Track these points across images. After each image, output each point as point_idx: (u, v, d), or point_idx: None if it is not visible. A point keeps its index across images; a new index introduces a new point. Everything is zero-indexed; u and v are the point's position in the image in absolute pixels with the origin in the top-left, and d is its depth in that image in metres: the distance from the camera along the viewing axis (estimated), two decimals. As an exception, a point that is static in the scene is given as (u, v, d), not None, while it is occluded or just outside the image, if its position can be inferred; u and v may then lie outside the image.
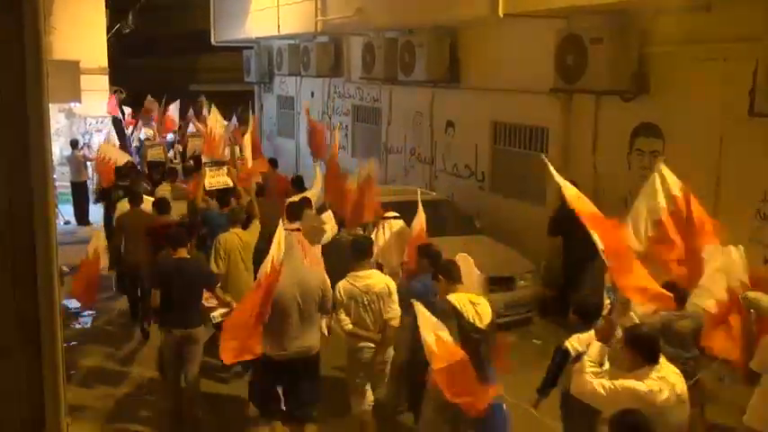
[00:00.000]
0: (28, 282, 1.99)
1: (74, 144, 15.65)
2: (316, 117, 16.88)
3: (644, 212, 5.71)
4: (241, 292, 6.75)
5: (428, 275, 6.02)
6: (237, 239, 7.54)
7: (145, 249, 8.19)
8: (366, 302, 5.91)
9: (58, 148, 16.50)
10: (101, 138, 17.48)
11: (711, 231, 5.62)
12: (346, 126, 16.57)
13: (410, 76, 12.43)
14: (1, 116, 1.93)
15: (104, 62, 18.46)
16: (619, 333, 4.84)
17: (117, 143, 16.01)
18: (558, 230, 9.20)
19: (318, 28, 14.97)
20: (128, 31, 20.90)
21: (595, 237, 4.80)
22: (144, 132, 17.62)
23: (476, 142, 12.15)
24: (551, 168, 5.31)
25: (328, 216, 8.44)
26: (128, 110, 19.21)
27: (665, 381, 4.15)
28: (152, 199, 9.33)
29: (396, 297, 5.99)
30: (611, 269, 4.94)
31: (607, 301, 5.20)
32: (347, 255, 6.40)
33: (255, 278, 6.03)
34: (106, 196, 10.94)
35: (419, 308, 4.97)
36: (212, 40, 21.24)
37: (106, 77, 18.59)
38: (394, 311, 5.94)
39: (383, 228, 7.57)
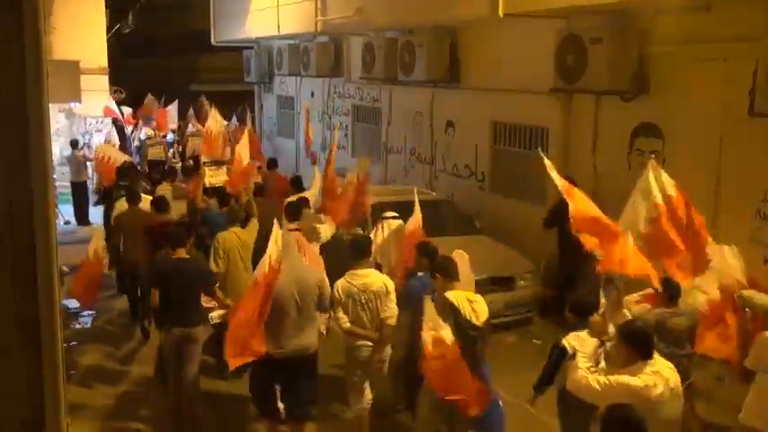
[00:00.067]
0: (28, 282, 1.99)
1: (74, 144, 15.66)
2: (316, 117, 16.92)
3: (638, 211, 5.72)
4: (240, 291, 6.76)
5: (427, 274, 6.04)
6: (236, 238, 7.55)
7: (143, 248, 8.20)
8: (364, 301, 5.94)
9: (58, 149, 16.49)
10: (101, 138, 17.49)
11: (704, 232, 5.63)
12: (346, 126, 16.57)
13: (410, 76, 12.43)
14: (1, 116, 1.93)
15: (104, 62, 18.46)
16: (612, 330, 4.87)
17: (117, 143, 16.03)
18: (553, 222, 9.21)
19: (318, 28, 14.97)
20: (127, 30, 20.91)
21: (572, 211, 5.04)
22: (144, 132, 17.63)
23: (476, 142, 12.15)
24: (547, 161, 5.36)
25: (327, 216, 8.45)
26: (128, 110, 19.20)
27: (659, 375, 4.18)
28: (150, 198, 9.34)
29: (393, 296, 6.02)
30: (585, 241, 5.07)
31: (603, 300, 5.21)
32: (346, 254, 6.42)
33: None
34: (107, 196, 10.94)
35: (428, 305, 5.03)
36: (212, 40, 21.24)
37: (106, 77, 18.60)
38: (391, 310, 5.97)
39: (382, 227, 7.58)
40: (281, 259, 5.52)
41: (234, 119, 17.56)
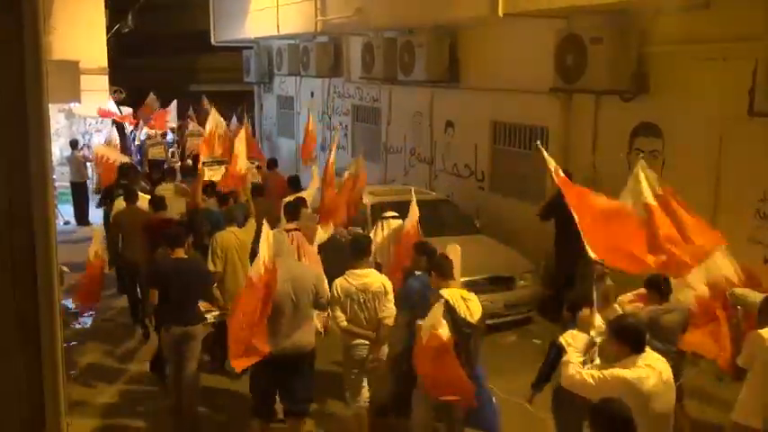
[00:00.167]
0: (28, 282, 1.99)
1: (74, 144, 15.66)
2: (316, 117, 16.90)
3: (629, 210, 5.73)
4: (239, 290, 6.78)
5: (425, 273, 6.08)
6: (234, 238, 7.57)
7: (142, 246, 8.24)
8: (362, 301, 5.97)
9: (58, 149, 16.51)
10: (101, 138, 17.50)
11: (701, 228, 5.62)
12: (346, 126, 16.58)
13: (410, 75, 12.43)
14: (1, 116, 1.93)
15: (104, 62, 18.47)
16: (599, 324, 4.92)
17: (117, 143, 16.05)
18: (550, 215, 9.23)
19: (318, 28, 14.98)
20: (127, 30, 20.90)
21: (572, 209, 5.05)
22: (145, 131, 17.64)
23: (475, 142, 12.15)
24: (545, 153, 5.40)
25: (321, 219, 8.44)
26: (128, 110, 19.20)
27: (651, 368, 4.21)
28: (148, 197, 9.38)
29: (391, 296, 6.04)
30: (584, 234, 5.07)
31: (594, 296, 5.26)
32: (344, 254, 6.44)
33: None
34: (108, 196, 10.98)
35: (437, 306, 5.08)
36: (212, 40, 21.24)
37: (106, 77, 18.61)
38: (389, 310, 6.00)
39: (382, 226, 7.59)
40: (275, 259, 5.55)
41: (234, 119, 17.56)
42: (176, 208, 9.74)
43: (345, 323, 5.97)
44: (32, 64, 1.94)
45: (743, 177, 7.67)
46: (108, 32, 19.29)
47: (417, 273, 6.37)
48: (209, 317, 6.98)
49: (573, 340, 4.73)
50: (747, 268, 5.94)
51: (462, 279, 8.45)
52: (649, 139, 8.83)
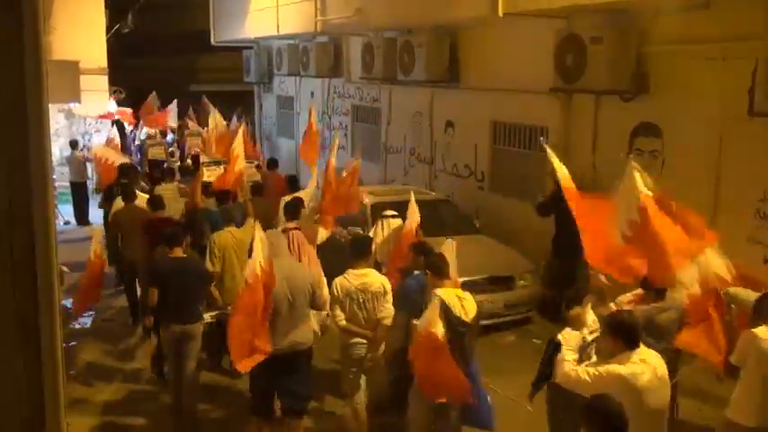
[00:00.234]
0: (28, 282, 1.99)
1: (73, 144, 15.67)
2: (316, 117, 16.88)
3: (620, 213, 5.74)
4: (236, 290, 6.79)
5: (422, 272, 6.09)
6: (231, 238, 7.58)
7: (141, 245, 8.27)
8: (361, 300, 5.99)
9: (58, 149, 16.50)
10: (101, 138, 17.49)
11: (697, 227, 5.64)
12: (346, 126, 16.58)
13: (410, 76, 12.43)
14: (1, 116, 1.93)
15: (104, 62, 18.47)
16: (591, 321, 4.93)
17: (118, 142, 16.05)
18: (550, 210, 9.25)
19: (318, 28, 14.97)
20: (127, 30, 20.90)
21: (574, 212, 5.17)
22: (145, 131, 17.63)
23: (475, 142, 12.15)
24: (549, 150, 5.40)
25: (320, 218, 8.45)
26: (127, 110, 19.20)
27: (646, 363, 4.23)
28: (146, 196, 9.42)
29: (390, 297, 6.06)
30: (584, 242, 5.12)
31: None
32: (343, 254, 6.45)
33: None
34: (109, 195, 11.01)
35: (434, 304, 5.10)
36: (212, 40, 21.24)
37: (105, 77, 18.61)
38: (387, 311, 6.02)
39: (382, 225, 7.60)
40: (271, 258, 5.57)
41: (234, 119, 17.57)
42: (177, 208, 9.75)
43: (344, 322, 6.00)
44: (32, 64, 1.94)
45: (743, 177, 7.67)
46: (108, 32, 19.28)
47: (416, 272, 6.38)
48: (207, 316, 7.00)
49: (567, 338, 4.76)
50: (741, 267, 5.97)
51: (462, 279, 8.46)
52: (649, 138, 8.83)
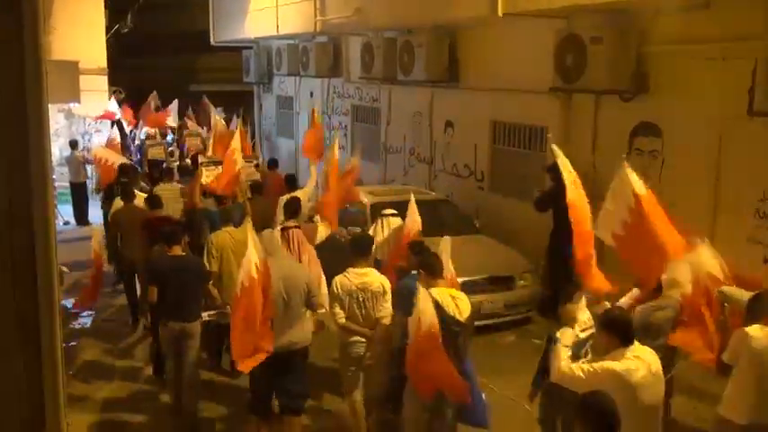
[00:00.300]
0: (28, 282, 1.99)
1: (73, 145, 15.68)
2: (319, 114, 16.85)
3: (611, 213, 5.77)
4: (234, 289, 6.82)
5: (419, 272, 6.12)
6: (229, 238, 7.60)
7: (140, 244, 8.30)
8: (361, 299, 6.01)
9: (58, 149, 16.49)
10: (100, 138, 17.48)
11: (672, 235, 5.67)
12: (345, 126, 16.57)
13: (409, 75, 12.43)
14: (1, 116, 1.93)
15: (103, 62, 18.46)
16: (589, 321, 4.96)
17: (119, 142, 16.06)
18: (548, 205, 9.29)
19: (317, 28, 14.97)
20: (126, 30, 20.89)
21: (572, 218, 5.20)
22: (145, 131, 17.63)
23: (475, 142, 12.15)
24: (555, 147, 5.45)
25: (322, 217, 8.45)
26: (130, 110, 19.19)
27: (640, 359, 4.26)
28: (145, 195, 9.45)
29: (389, 296, 6.08)
30: (576, 256, 5.23)
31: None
32: (343, 254, 6.46)
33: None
34: (109, 195, 11.04)
35: (424, 294, 5.13)
36: (211, 40, 21.23)
37: (105, 78, 18.60)
38: (386, 310, 6.04)
39: (381, 224, 7.60)
40: (267, 258, 5.59)
41: (235, 118, 17.57)
42: (175, 208, 9.77)
43: (344, 320, 6.02)
44: (32, 64, 1.94)
45: (742, 177, 7.67)
46: (107, 32, 19.27)
47: (413, 272, 6.38)
48: (205, 314, 7.03)
49: (561, 335, 4.77)
50: (734, 267, 6.01)
51: (462, 279, 8.45)
52: (649, 138, 8.83)
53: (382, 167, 14.94)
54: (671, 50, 8.39)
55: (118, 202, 9.59)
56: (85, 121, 18.18)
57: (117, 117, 18.00)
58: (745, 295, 5.27)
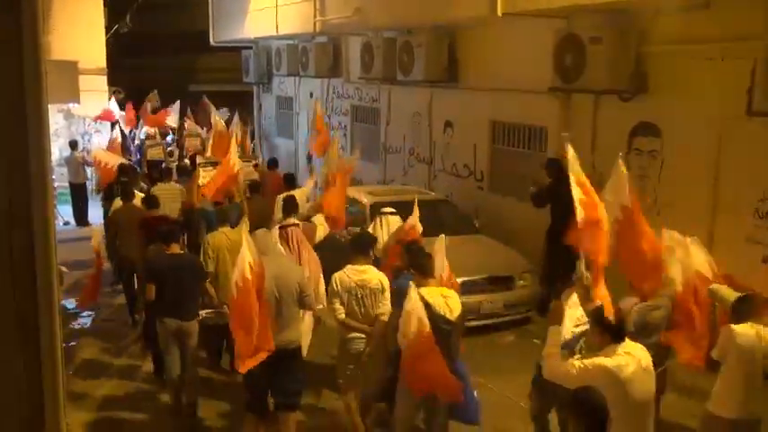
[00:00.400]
0: (28, 282, 1.99)
1: (73, 145, 15.69)
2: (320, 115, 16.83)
3: (611, 203, 5.80)
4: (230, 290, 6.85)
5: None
6: (225, 238, 7.62)
7: (138, 243, 8.32)
8: (359, 296, 6.05)
9: (57, 150, 16.50)
10: (100, 138, 17.50)
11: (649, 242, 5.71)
12: (345, 126, 16.57)
13: (409, 76, 12.43)
14: (0, 116, 1.93)
15: (103, 63, 18.45)
16: (582, 318, 4.97)
17: (120, 142, 16.10)
18: (546, 201, 9.34)
19: (317, 28, 14.98)
20: (126, 30, 20.89)
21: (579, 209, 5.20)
22: (145, 131, 17.63)
23: (474, 142, 12.15)
24: (570, 148, 5.44)
25: (320, 217, 8.47)
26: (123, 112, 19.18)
27: (630, 355, 4.30)
28: (143, 195, 9.48)
29: (388, 294, 6.11)
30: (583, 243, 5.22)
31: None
32: (342, 253, 6.48)
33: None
34: (109, 194, 11.07)
35: (413, 296, 5.18)
36: (211, 40, 21.22)
37: (104, 78, 18.59)
38: (385, 307, 6.07)
39: (380, 222, 7.62)
40: (260, 257, 5.62)
41: (236, 118, 17.58)
42: (173, 208, 9.80)
43: (344, 316, 6.05)
44: (32, 64, 1.94)
45: (742, 177, 7.67)
46: (107, 32, 19.27)
47: (407, 272, 6.42)
48: (202, 313, 7.06)
49: (549, 333, 4.82)
50: (732, 268, 6.06)
51: (461, 279, 8.50)
52: (648, 138, 8.84)
53: (382, 167, 14.94)
54: (670, 50, 8.39)
55: (117, 202, 9.63)
56: (85, 122, 18.17)
57: (116, 118, 18.01)
58: (732, 295, 5.32)
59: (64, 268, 7.75)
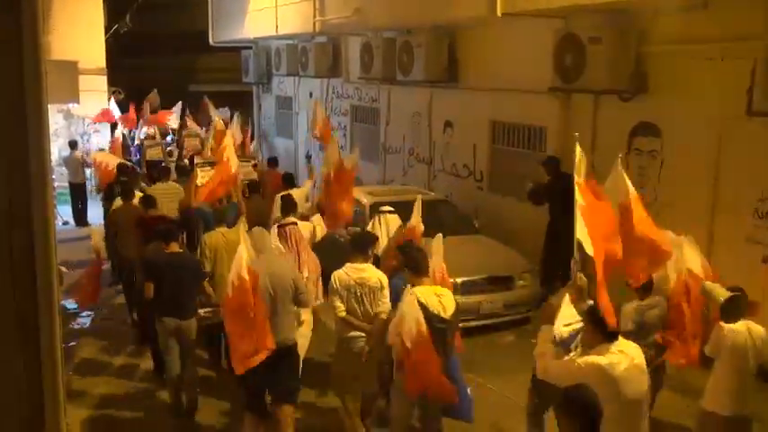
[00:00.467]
0: (28, 282, 1.99)
1: (72, 145, 15.68)
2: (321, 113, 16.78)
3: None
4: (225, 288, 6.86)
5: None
6: (222, 238, 7.63)
7: (136, 243, 8.32)
8: (359, 294, 6.06)
9: (57, 149, 16.50)
10: (100, 139, 17.49)
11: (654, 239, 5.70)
12: (345, 126, 16.58)
13: (408, 76, 12.43)
14: (0, 116, 1.93)
15: (102, 63, 18.45)
16: (573, 316, 5.00)
17: (121, 142, 16.10)
18: (543, 199, 9.36)
19: (317, 28, 14.98)
20: (125, 30, 20.88)
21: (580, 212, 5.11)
22: (144, 131, 17.63)
23: (474, 142, 12.15)
24: (578, 148, 5.41)
25: (318, 217, 8.47)
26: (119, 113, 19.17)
27: (623, 353, 4.32)
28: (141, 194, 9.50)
29: (387, 292, 6.12)
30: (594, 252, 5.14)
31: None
32: (341, 253, 6.49)
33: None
34: (109, 195, 11.08)
35: (408, 296, 5.22)
36: (210, 40, 21.23)
37: (104, 78, 18.59)
38: (384, 305, 6.08)
39: (379, 221, 7.62)
40: (255, 256, 5.67)
41: (236, 118, 17.57)
42: (171, 208, 9.80)
43: (344, 313, 6.06)
44: (32, 64, 1.94)
45: (742, 177, 7.68)
46: (107, 32, 19.27)
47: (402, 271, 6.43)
48: (201, 311, 7.07)
49: (540, 333, 4.84)
50: (732, 268, 6.09)
51: (461, 279, 8.53)
52: (648, 138, 8.84)
53: (381, 168, 14.94)
54: (670, 50, 8.39)
55: (118, 201, 9.65)
56: (84, 122, 18.17)
57: (115, 119, 18.01)
58: (723, 294, 5.36)
59: (63, 268, 7.75)
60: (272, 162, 13.27)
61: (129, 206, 9.30)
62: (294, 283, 5.99)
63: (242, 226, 6.02)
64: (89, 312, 9.73)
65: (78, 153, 15.64)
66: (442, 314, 5.45)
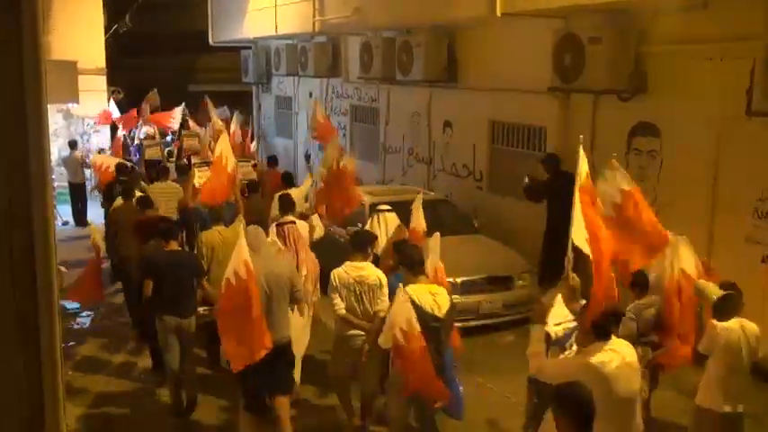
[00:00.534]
0: (27, 282, 2.00)
1: (72, 145, 15.68)
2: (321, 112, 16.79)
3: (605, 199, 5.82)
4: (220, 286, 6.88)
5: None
6: (218, 237, 7.65)
7: (135, 241, 8.33)
8: (358, 292, 6.07)
9: (56, 149, 16.50)
10: (99, 139, 17.48)
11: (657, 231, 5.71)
12: (344, 126, 16.57)
13: (408, 75, 12.43)
14: (0, 116, 1.93)
15: (102, 63, 18.46)
16: (565, 315, 5.02)
17: (122, 142, 16.10)
18: (542, 196, 9.39)
19: (316, 28, 14.97)
20: (125, 30, 20.88)
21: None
22: (144, 131, 17.62)
23: (474, 142, 12.16)
24: (582, 152, 5.46)
25: (316, 217, 8.48)
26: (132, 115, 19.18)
27: (615, 352, 4.34)
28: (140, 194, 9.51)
29: (386, 290, 6.13)
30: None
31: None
32: (341, 252, 6.50)
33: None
34: (109, 195, 11.08)
35: (400, 296, 5.25)
36: (210, 40, 21.22)
37: (104, 78, 18.60)
38: (383, 304, 6.08)
39: (377, 220, 7.62)
40: (251, 253, 5.66)
41: (235, 118, 17.58)
42: (169, 207, 9.81)
43: (344, 311, 6.06)
44: (31, 64, 1.94)
45: (741, 177, 7.68)
46: (106, 32, 19.26)
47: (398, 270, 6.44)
48: (200, 309, 7.07)
49: (532, 332, 4.83)
50: (732, 268, 6.09)
51: (461, 279, 8.53)
52: (647, 138, 8.84)
53: (381, 167, 14.94)
54: (669, 50, 8.39)
55: (118, 201, 9.66)
56: (84, 122, 18.17)
57: (114, 120, 18.01)
58: (716, 293, 5.38)
59: (63, 268, 7.75)
60: (272, 161, 13.27)
61: (130, 205, 9.30)
62: (290, 280, 6.01)
63: (241, 224, 6.02)
64: (89, 312, 9.73)
65: (78, 153, 15.65)
66: (437, 313, 5.47)
